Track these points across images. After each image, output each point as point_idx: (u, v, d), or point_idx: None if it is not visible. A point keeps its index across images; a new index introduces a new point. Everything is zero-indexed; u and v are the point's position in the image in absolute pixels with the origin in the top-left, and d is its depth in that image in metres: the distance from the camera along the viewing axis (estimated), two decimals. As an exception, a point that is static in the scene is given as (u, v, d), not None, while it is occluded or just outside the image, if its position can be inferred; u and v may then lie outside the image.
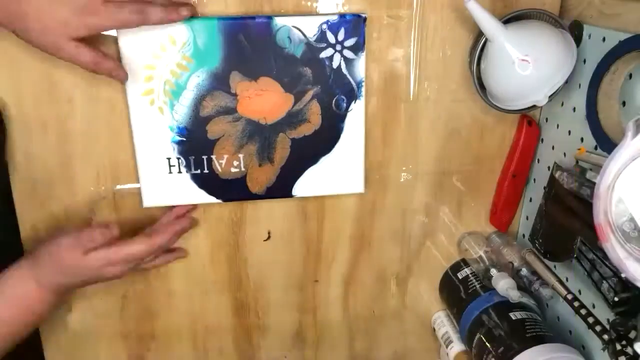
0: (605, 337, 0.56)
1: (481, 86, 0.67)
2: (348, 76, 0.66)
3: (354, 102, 0.68)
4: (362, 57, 0.66)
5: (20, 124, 0.65)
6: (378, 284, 0.81)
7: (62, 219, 0.69)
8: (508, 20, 0.64)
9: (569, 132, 0.67)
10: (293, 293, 0.79)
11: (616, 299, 0.55)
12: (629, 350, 0.53)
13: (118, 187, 0.69)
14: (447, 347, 0.80)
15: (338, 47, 0.65)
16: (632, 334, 0.54)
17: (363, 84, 0.67)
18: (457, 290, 0.78)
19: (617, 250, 0.45)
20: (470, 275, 0.78)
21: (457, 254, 0.81)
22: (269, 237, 0.75)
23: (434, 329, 0.84)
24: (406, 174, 0.75)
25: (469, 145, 0.74)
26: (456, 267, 0.80)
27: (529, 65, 0.59)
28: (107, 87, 0.64)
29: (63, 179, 0.68)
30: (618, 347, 0.54)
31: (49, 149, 0.66)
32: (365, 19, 0.64)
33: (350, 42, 0.65)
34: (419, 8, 0.67)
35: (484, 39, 0.63)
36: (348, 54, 0.66)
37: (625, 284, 0.54)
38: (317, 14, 0.65)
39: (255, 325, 0.81)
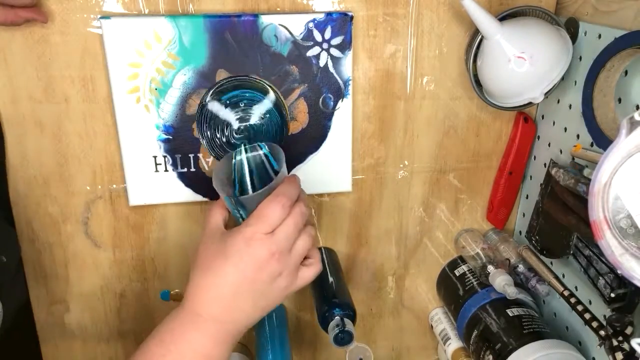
0: (602, 333, 0.57)
1: (477, 83, 0.67)
2: (335, 74, 0.66)
3: (341, 100, 0.68)
4: (349, 55, 0.66)
5: (16, 123, 0.64)
6: (375, 281, 0.81)
7: (58, 218, 0.69)
8: (504, 17, 0.64)
9: (565, 129, 0.67)
10: (291, 291, 0.79)
11: (612, 295, 0.55)
12: (625, 346, 0.54)
13: (114, 186, 0.69)
14: (444, 344, 0.80)
15: (325, 46, 0.65)
16: (629, 330, 0.54)
17: (350, 82, 0.67)
18: (454, 287, 0.78)
19: (612, 248, 0.46)
20: (467, 272, 0.78)
21: (454, 251, 0.81)
22: (266, 236, 0.75)
23: (432, 326, 0.84)
24: (403, 171, 0.75)
25: (465, 143, 0.75)
26: (453, 264, 0.80)
27: (525, 62, 0.60)
28: (104, 86, 0.64)
29: (59, 178, 0.68)
30: (615, 343, 0.54)
31: (45, 148, 0.66)
32: (352, 17, 0.64)
33: (337, 41, 0.65)
34: (415, 5, 0.67)
35: (480, 36, 0.63)
36: (335, 52, 0.65)
37: (622, 280, 0.54)
38: (313, 12, 0.65)
39: (253, 323, 0.81)
